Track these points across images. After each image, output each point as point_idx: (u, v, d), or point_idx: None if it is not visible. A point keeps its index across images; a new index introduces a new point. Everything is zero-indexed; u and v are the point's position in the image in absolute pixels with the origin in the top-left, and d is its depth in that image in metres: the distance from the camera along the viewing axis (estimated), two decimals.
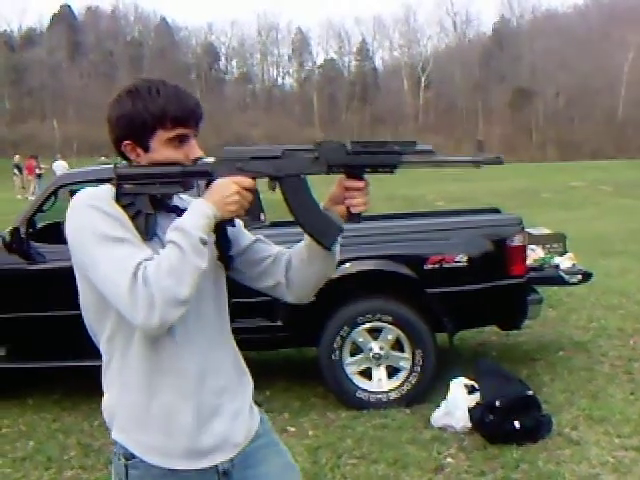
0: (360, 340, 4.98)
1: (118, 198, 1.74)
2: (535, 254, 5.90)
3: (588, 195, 22.67)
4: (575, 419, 4.57)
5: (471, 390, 4.55)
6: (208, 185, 1.77)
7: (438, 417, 4.58)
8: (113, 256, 1.65)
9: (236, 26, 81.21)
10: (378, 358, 4.97)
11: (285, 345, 5.41)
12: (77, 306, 1.83)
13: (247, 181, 1.74)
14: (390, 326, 4.93)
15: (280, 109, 71.51)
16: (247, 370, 2.00)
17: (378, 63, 75.00)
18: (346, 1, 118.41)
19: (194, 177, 1.82)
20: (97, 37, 76.52)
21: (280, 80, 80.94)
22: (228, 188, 1.72)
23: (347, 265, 4.83)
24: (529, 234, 5.74)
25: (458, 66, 65.95)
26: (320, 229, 1.82)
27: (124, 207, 1.73)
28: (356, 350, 5.04)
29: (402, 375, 4.96)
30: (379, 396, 4.94)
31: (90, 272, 1.69)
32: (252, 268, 1.95)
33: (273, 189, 1.80)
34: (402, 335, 4.93)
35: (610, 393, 4.99)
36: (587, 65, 57.15)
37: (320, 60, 76.41)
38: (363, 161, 1.78)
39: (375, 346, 4.95)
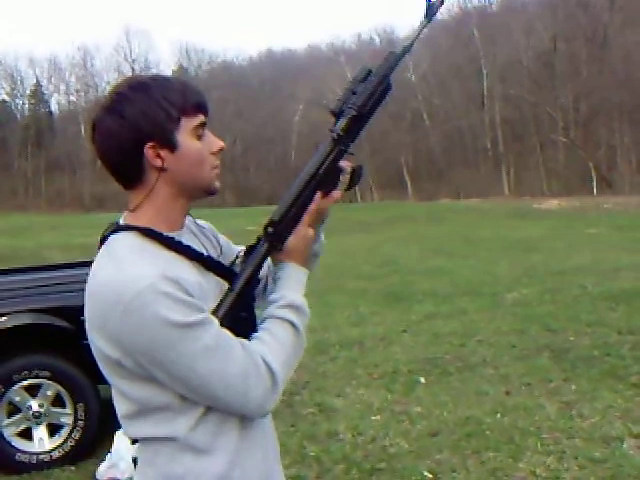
0: (17, 399, 4.71)
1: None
2: None
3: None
4: None
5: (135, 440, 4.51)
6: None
7: (103, 471, 4.47)
8: (207, 345, 1.39)
9: None
10: (38, 416, 4.74)
11: None
12: None
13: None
14: (49, 381, 4.72)
15: None
16: None
17: (54, 107, 72.36)
18: (19, 40, 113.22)
19: None
20: None
21: None
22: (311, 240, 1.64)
23: (2, 319, 4.59)
24: None
25: None
26: None
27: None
28: (14, 410, 4.75)
29: (64, 432, 4.79)
30: (42, 457, 4.72)
31: (172, 376, 1.40)
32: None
33: None
34: (62, 390, 4.75)
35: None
36: (261, 115, 60.36)
37: None
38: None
39: (34, 404, 4.72)
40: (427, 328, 8.28)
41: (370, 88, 1.66)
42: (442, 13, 63.84)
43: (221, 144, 1.57)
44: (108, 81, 68.72)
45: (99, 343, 1.43)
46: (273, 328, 1.50)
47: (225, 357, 1.40)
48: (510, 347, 7.06)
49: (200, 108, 1.52)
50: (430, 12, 1.71)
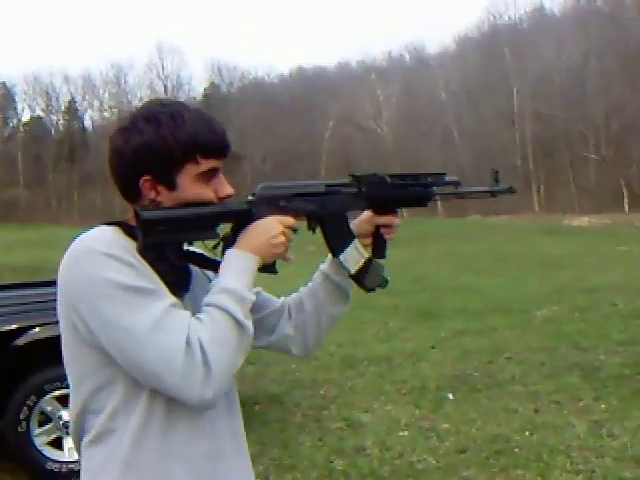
0: (49, 409, 4.77)
1: (144, 249, 1.43)
2: None
3: (296, 255, 23.85)
4: (266, 469, 4.74)
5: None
6: (236, 228, 1.54)
7: None
8: (154, 315, 1.35)
9: None
10: (68, 426, 4.79)
11: None
12: None
13: (291, 220, 1.57)
14: None
15: None
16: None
17: (87, 123, 73.36)
18: (54, 57, 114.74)
19: (232, 219, 1.54)
20: None
21: None
22: (273, 228, 1.52)
23: (36, 330, 4.68)
24: None
25: None
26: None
27: (152, 262, 1.43)
28: (45, 420, 4.82)
29: None
30: (71, 465, 4.75)
31: (112, 336, 1.37)
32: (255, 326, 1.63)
33: (314, 230, 1.67)
34: None
35: (300, 441, 5.25)
36: (292, 132, 60.54)
37: (26, 117, 73.24)
38: (403, 195, 1.74)
39: (65, 414, 4.76)
40: (456, 345, 8.25)
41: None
42: (472, 30, 63.82)
43: (228, 191, 1.54)
44: (141, 97, 69.51)
45: (61, 308, 1.47)
46: (208, 312, 1.42)
47: (167, 331, 1.36)
48: (539, 365, 7.02)
49: (213, 153, 1.50)
50: None
